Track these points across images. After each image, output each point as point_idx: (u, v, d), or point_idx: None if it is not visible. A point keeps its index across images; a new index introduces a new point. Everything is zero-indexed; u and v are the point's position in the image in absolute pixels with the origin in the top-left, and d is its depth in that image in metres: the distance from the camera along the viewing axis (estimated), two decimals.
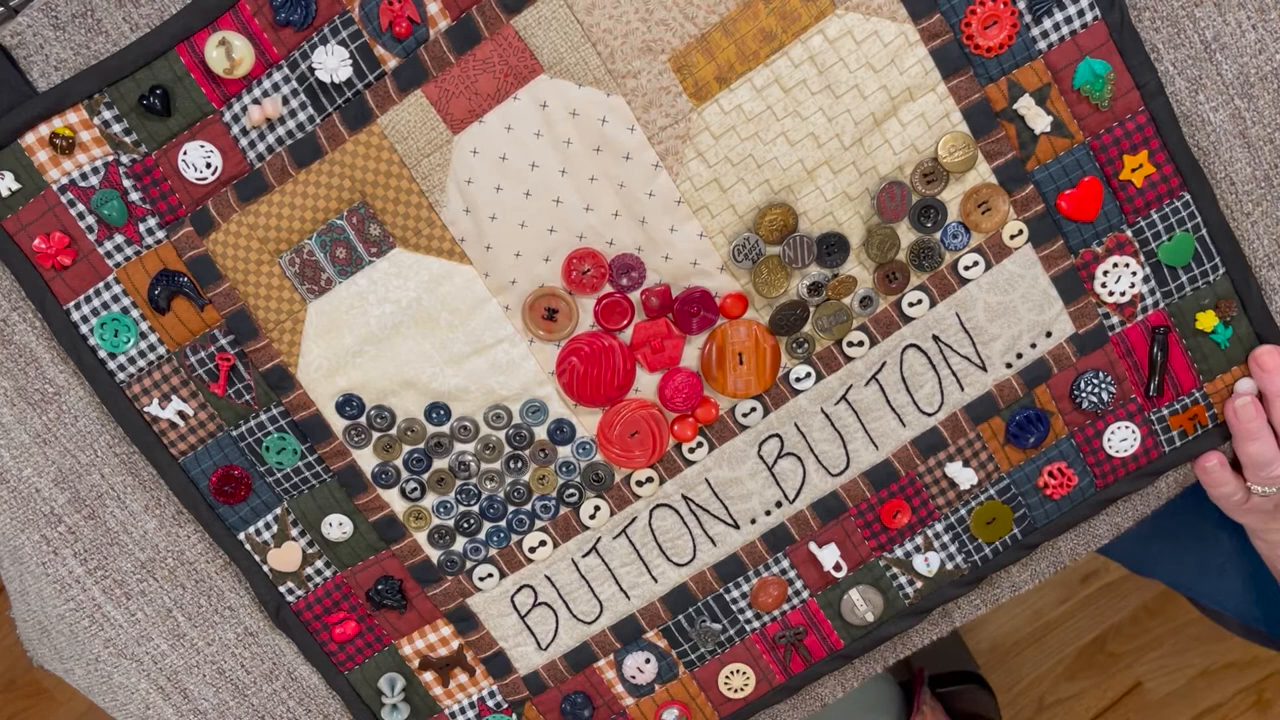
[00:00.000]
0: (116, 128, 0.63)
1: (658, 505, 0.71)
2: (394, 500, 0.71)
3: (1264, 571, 0.85)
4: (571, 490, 0.71)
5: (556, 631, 0.74)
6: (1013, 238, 0.66)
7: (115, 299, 0.66)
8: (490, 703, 0.76)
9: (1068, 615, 1.47)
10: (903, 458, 0.71)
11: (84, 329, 0.66)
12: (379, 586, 0.73)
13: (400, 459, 0.69)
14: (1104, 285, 0.68)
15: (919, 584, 0.74)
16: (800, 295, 0.67)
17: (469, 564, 0.72)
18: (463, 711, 0.77)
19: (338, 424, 0.68)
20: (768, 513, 0.72)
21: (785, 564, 0.73)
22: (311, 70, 0.62)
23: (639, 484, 0.70)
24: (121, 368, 0.67)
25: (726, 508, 0.72)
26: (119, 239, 0.65)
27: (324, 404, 0.68)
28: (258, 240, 0.64)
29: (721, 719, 0.78)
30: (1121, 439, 0.71)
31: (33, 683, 1.45)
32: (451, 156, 0.63)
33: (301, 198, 0.64)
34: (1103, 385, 0.70)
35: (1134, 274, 0.68)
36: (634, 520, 0.72)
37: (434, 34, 0.61)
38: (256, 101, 0.62)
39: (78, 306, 0.66)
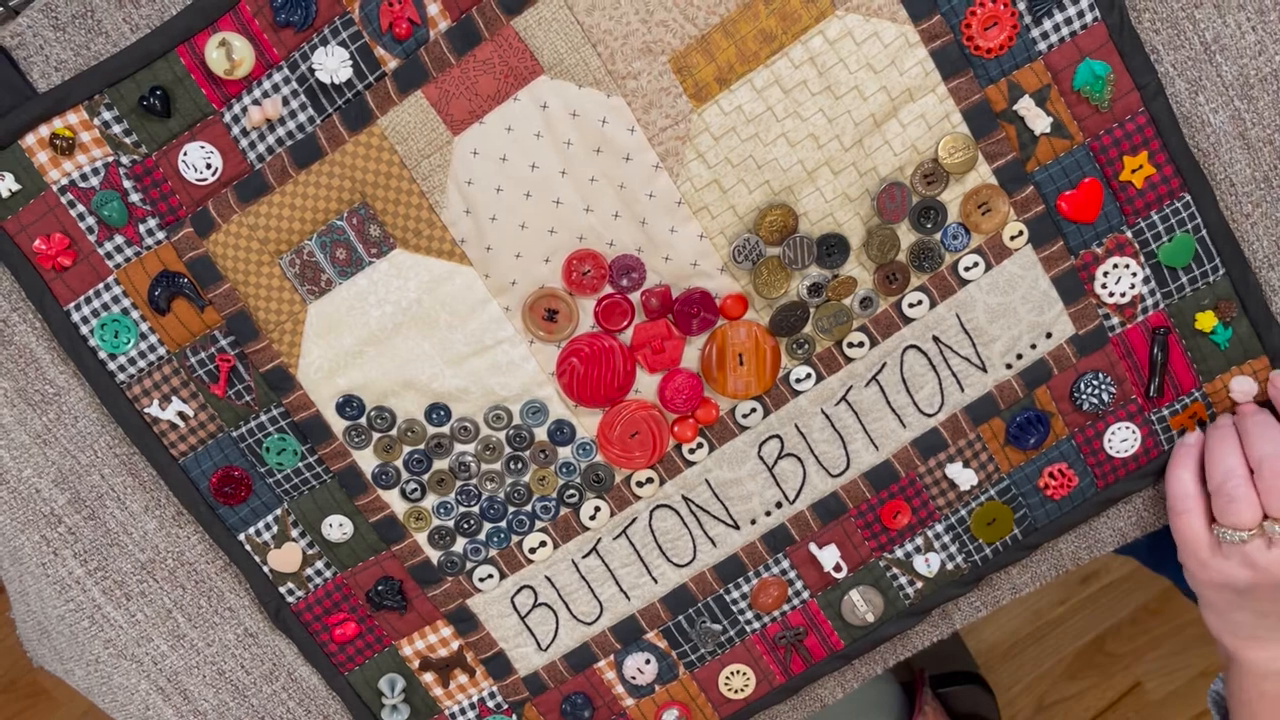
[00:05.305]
0: (117, 128, 0.63)
1: (658, 506, 0.71)
2: (394, 501, 0.71)
3: None
4: (572, 491, 0.70)
5: (556, 632, 0.74)
6: (1013, 239, 0.66)
7: (115, 300, 0.66)
8: (490, 703, 0.76)
9: (1067, 615, 1.47)
10: (903, 458, 0.71)
11: (84, 330, 0.66)
12: (379, 587, 0.73)
13: (400, 460, 0.69)
14: (1104, 286, 0.68)
15: (919, 584, 0.74)
16: (800, 296, 0.67)
17: (469, 565, 0.72)
18: (463, 712, 0.77)
19: (338, 425, 0.68)
20: (768, 513, 0.72)
21: (785, 564, 0.73)
22: (312, 71, 0.62)
23: (639, 485, 0.70)
24: (122, 369, 0.67)
25: (726, 508, 0.72)
26: (119, 240, 0.65)
27: (324, 405, 0.68)
28: (258, 241, 0.64)
29: (721, 719, 0.78)
30: (1122, 439, 0.71)
31: (33, 683, 1.45)
32: (452, 157, 0.63)
33: (302, 198, 0.64)
34: (1103, 386, 0.70)
35: (1134, 275, 0.68)
36: (634, 521, 0.72)
37: (434, 35, 0.61)
38: (257, 102, 0.62)
39: (78, 307, 0.66)
